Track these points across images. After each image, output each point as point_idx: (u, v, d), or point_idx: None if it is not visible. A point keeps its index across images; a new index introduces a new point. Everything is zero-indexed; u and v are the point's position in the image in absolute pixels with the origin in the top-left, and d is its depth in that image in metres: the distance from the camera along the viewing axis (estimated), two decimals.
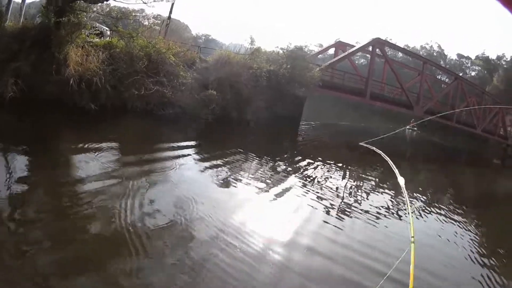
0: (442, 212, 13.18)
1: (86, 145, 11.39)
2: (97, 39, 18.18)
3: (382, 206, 11.93)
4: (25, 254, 5.52)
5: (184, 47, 22.02)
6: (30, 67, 15.18)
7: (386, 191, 14.43)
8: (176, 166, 11.36)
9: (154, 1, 19.01)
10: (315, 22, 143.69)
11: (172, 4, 26.40)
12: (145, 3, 18.91)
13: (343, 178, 15.87)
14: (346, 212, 10.59)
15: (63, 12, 16.01)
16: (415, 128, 52.50)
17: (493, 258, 9.58)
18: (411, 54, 53.49)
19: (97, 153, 10.87)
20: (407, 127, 53.68)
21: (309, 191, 11.98)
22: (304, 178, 13.49)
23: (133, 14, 18.80)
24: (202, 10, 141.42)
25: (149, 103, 17.65)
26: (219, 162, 13.03)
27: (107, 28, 20.30)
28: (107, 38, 19.38)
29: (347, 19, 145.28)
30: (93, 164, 9.95)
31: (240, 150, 15.25)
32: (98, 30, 18.91)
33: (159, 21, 20.50)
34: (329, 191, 12.59)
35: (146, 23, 19.43)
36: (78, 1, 16.65)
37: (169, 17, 26.99)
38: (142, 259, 6.04)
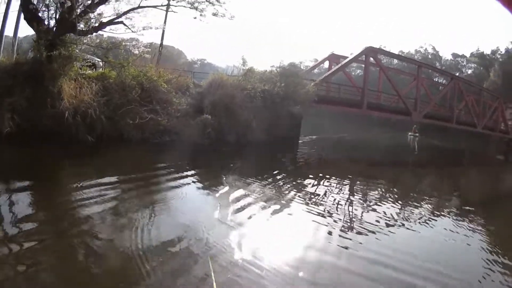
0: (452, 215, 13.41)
1: (85, 181, 11.15)
2: (90, 71, 18.34)
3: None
4: None
5: (175, 73, 22.20)
6: (25, 102, 15.34)
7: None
8: (178, 195, 11.27)
9: (144, 29, 19.37)
10: (309, 37, 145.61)
11: (163, 31, 26.89)
12: (134, 32, 19.26)
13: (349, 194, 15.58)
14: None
15: (54, 45, 16.27)
16: (417, 134, 52.75)
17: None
18: (405, 59, 54.53)
19: (95, 187, 10.72)
20: (409, 134, 54.45)
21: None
22: (308, 199, 13.17)
23: (123, 43, 18.76)
24: (197, 35, 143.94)
25: (144, 131, 17.68)
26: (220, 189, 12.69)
27: (99, 60, 20.44)
28: (100, 70, 19.58)
29: (340, 31, 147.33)
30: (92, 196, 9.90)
31: (237, 175, 15.01)
32: (90, 62, 19.10)
33: (149, 49, 20.49)
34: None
35: (136, 51, 19.34)
36: (69, 34, 16.87)
37: (161, 44, 27.65)
38: None
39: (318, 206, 12.41)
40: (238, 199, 11.35)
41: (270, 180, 15.06)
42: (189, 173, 13.99)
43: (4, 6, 20.52)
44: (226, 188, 12.53)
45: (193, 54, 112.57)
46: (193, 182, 12.94)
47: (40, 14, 17.31)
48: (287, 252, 8.10)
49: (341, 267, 7.86)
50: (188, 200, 10.91)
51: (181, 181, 12.79)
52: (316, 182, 16.44)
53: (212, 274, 6.81)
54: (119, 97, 17.42)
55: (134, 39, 20.12)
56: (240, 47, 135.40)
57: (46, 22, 17.35)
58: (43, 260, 6.33)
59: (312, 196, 13.66)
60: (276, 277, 6.88)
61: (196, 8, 20.56)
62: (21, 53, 19.47)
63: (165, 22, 25.61)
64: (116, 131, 16.88)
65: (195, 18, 20.99)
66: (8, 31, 22.36)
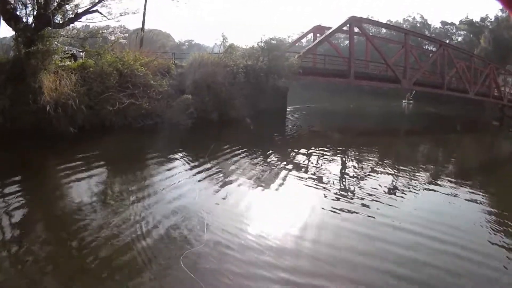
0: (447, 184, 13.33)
1: (69, 171, 11.53)
2: (69, 62, 18.47)
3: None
4: None
5: (153, 56, 22.21)
6: (8, 101, 15.55)
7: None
8: (165, 178, 11.42)
9: (121, 15, 19.43)
10: (296, 13, 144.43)
11: (144, 16, 27.04)
12: (112, 19, 19.39)
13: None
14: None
15: (33, 41, 16.42)
16: (411, 101, 52.78)
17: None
18: (391, 27, 54.05)
19: (80, 176, 11.03)
20: (404, 101, 54.43)
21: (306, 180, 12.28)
22: (302, 171, 13.56)
23: (100, 31, 18.97)
24: (185, 17, 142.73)
25: (126, 117, 17.84)
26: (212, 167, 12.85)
27: (80, 50, 20.56)
28: (81, 60, 19.65)
29: (326, 6, 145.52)
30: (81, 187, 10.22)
31: (223, 153, 14.90)
32: (68, 53, 19.13)
33: (126, 34, 20.63)
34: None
35: (112, 38, 19.50)
36: (46, 29, 17.03)
37: (142, 28, 27.63)
38: None
39: (314, 177, 12.63)
40: (228, 180, 11.48)
41: (259, 154, 15.23)
42: (172, 156, 14.08)
43: None
44: (215, 168, 12.65)
45: (182, 36, 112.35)
46: (174, 166, 12.87)
47: (18, 13, 17.44)
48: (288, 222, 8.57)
49: (346, 229, 8.53)
50: (177, 183, 10.91)
51: (164, 166, 12.92)
52: (308, 154, 16.55)
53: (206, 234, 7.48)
54: (98, 85, 17.58)
55: (111, 26, 20.20)
56: (228, 27, 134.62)
57: (24, 20, 17.50)
58: None
59: (305, 168, 13.88)
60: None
61: None
62: (1, 53, 19.69)
63: (145, 6, 26.38)
64: (98, 120, 17.06)
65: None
66: None
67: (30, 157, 13.18)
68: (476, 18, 75.24)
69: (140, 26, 28.57)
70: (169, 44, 70.48)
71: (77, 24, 19.54)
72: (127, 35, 21.02)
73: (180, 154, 14.46)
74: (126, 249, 6.81)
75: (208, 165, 12.81)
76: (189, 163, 13.37)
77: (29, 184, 10.45)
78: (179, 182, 11.01)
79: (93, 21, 19.23)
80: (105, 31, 19.39)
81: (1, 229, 7.45)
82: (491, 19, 71.89)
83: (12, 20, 17.11)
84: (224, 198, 9.96)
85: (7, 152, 13.27)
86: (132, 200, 9.33)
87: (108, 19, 19.23)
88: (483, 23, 72.97)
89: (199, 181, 11.40)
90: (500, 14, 69.84)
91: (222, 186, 10.84)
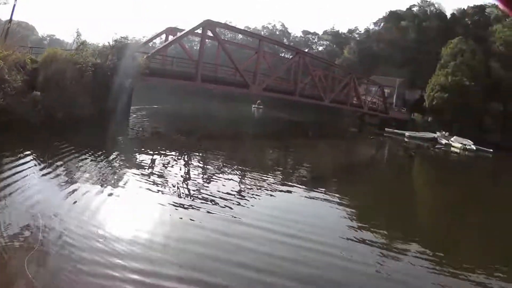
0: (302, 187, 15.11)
1: None
2: None
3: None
4: None
5: (10, 50, 21.23)
6: None
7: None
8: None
9: None
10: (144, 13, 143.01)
11: (14, 6, 26.65)
12: None
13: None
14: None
15: None
16: (261, 107, 56.80)
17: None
18: (245, 32, 56.82)
19: None
20: (253, 106, 57.53)
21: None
22: (142, 171, 14.27)
23: None
24: (51, 9, 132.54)
25: None
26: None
27: None
28: None
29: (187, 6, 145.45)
30: None
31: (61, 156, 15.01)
32: None
33: None
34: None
35: None
36: None
37: (10, 20, 26.97)
38: None
39: (159, 180, 13.44)
40: (70, 181, 11.84)
41: (102, 154, 15.89)
42: (14, 157, 13.85)
43: None
44: (56, 170, 12.90)
45: (46, 30, 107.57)
46: (15, 167, 12.59)
47: None
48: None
49: (194, 226, 9.38)
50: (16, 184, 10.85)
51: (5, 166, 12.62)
52: (153, 156, 17.52)
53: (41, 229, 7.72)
54: None
55: None
56: (92, 23, 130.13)
57: None
58: None
59: (151, 174, 14.41)
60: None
61: None
62: None
63: None
64: None
65: None
66: None
67: None
68: (343, 30, 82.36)
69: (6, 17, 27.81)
70: (32, 38, 69.66)
71: None
72: None
73: (20, 154, 14.16)
74: None
75: (50, 167, 13.02)
76: (29, 163, 13.19)
77: None
78: (17, 183, 10.93)
79: None
80: None
81: None
82: (360, 31, 79.21)
83: None
84: (65, 199, 10.22)
85: None
86: None
87: None
88: (350, 35, 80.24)
89: (41, 181, 11.62)
90: (372, 27, 78.32)
91: (64, 188, 11.12)
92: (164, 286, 6.62)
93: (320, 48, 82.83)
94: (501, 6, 2.07)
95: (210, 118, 41.94)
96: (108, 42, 28.14)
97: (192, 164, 17.72)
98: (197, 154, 19.78)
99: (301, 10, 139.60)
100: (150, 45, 49.77)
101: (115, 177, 13.30)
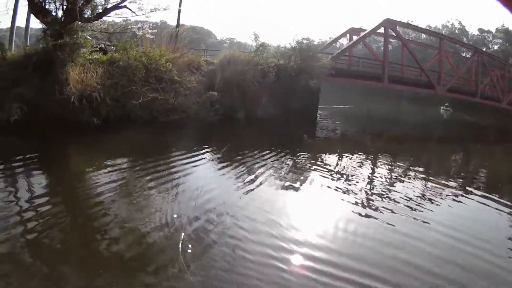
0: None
1: (90, 159, 11.94)
2: (96, 56, 18.54)
3: None
4: None
5: (179, 52, 21.60)
6: (33, 91, 15.69)
7: None
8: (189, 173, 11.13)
9: (151, 11, 19.43)
10: (326, 15, 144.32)
11: (179, 12, 26.97)
12: (143, 15, 19.39)
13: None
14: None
15: (60, 35, 16.53)
16: (449, 109, 51.99)
17: None
18: (425, 31, 53.40)
19: (100, 165, 11.07)
20: (442, 108, 53.31)
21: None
22: (329, 174, 12.88)
23: (129, 27, 19.12)
24: (227, 15, 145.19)
25: (152, 111, 17.87)
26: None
27: (109, 43, 20.66)
28: (110, 54, 19.77)
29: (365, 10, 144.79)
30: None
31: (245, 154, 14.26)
32: (97, 47, 19.29)
33: (155, 30, 20.49)
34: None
35: (140, 33, 19.52)
36: (75, 23, 17.07)
37: (177, 25, 27.22)
38: None
39: (341, 182, 11.88)
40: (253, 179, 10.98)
41: (285, 154, 14.70)
42: (196, 152, 13.68)
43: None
44: (239, 167, 12.25)
45: (225, 33, 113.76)
46: (198, 162, 12.50)
47: (46, 6, 17.53)
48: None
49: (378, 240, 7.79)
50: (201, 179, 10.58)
51: (188, 161, 12.50)
52: (337, 159, 16.11)
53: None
54: (123, 79, 17.67)
55: (140, 22, 20.21)
56: (265, 27, 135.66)
57: (53, 13, 17.60)
58: None
59: (334, 172, 13.12)
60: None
61: None
62: (31, 44, 19.95)
63: (180, 2, 26.49)
64: (123, 112, 17.15)
65: None
66: (22, 23, 23.26)
67: (52, 145, 13.41)
68: None
69: (186, 23, 28.88)
70: (209, 41, 71.67)
71: (108, 19, 19.46)
72: (156, 30, 20.81)
73: (204, 151, 14.05)
74: (144, 242, 6.64)
75: (232, 165, 12.46)
76: (212, 161, 13.02)
77: (49, 170, 10.55)
78: (203, 178, 10.67)
79: (122, 16, 19.22)
80: (134, 26, 19.45)
81: (21, 212, 7.39)
82: None
83: (40, 13, 17.30)
84: (246, 195, 9.54)
85: (31, 139, 13.58)
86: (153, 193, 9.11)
87: (137, 15, 19.25)
88: None
89: (223, 179, 11.08)
90: None
91: (246, 185, 10.37)
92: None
93: (495, 47, 73.26)
94: (501, 6, 2.14)
95: (397, 120, 40.11)
96: (290, 44, 26.89)
97: (377, 166, 16.09)
98: (382, 156, 18.19)
99: (476, 6, 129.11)
100: (337, 45, 49.89)
101: (299, 174, 12.39)
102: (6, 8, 21.04)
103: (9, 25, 22.43)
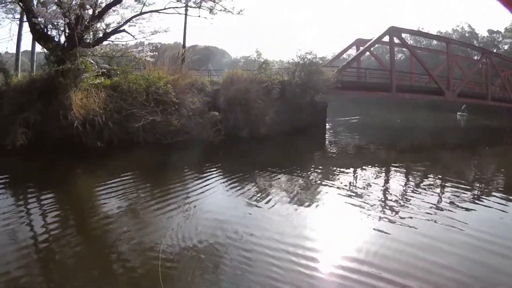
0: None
1: (96, 181, 12.09)
2: (99, 80, 18.68)
3: None
4: None
5: (178, 74, 21.28)
6: (38, 116, 16.12)
7: None
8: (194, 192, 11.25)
9: (152, 34, 19.82)
10: (331, 26, 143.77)
11: (184, 33, 27.10)
12: (144, 38, 19.75)
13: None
14: None
15: (63, 60, 16.81)
16: (465, 113, 50.98)
17: None
18: (430, 36, 53.01)
19: (107, 186, 11.31)
20: (458, 113, 52.48)
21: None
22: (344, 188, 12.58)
23: (129, 50, 19.31)
24: (235, 34, 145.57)
25: (155, 133, 17.98)
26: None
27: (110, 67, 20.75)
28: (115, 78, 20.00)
29: (368, 19, 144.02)
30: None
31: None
32: (99, 71, 19.33)
33: (155, 53, 20.66)
34: None
35: (139, 56, 19.73)
36: (76, 48, 17.27)
37: (183, 46, 27.47)
38: None
39: (356, 194, 11.88)
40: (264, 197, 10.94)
41: (291, 173, 14.39)
42: (200, 171, 13.77)
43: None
44: (247, 186, 12.19)
45: (238, 52, 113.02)
46: (205, 180, 12.46)
47: (48, 33, 17.92)
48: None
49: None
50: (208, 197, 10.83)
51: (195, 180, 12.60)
52: (350, 171, 15.74)
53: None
54: (124, 103, 17.80)
55: (140, 45, 20.47)
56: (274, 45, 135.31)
57: (56, 39, 18.02)
58: None
59: (349, 187, 12.85)
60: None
61: (199, 7, 20.34)
62: (38, 70, 20.33)
63: (185, 24, 26.50)
64: (126, 135, 17.29)
65: (205, 18, 20.88)
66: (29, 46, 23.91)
67: (57, 168, 13.63)
68: None
69: (195, 43, 29.08)
70: (224, 61, 72.16)
71: (109, 42, 19.83)
72: (156, 53, 21.06)
73: (210, 170, 13.98)
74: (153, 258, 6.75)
75: (240, 182, 12.47)
76: (213, 179, 12.94)
77: (57, 192, 10.76)
78: (209, 196, 10.94)
79: (122, 40, 19.64)
80: (134, 50, 19.66)
81: (33, 232, 7.83)
82: None
83: (42, 40, 17.76)
84: (253, 212, 9.62)
85: (37, 163, 14.02)
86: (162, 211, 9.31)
87: (136, 39, 19.72)
88: None
89: (227, 195, 11.32)
90: None
91: (256, 203, 10.38)
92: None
93: (506, 47, 71.97)
94: (501, 5, 2.16)
95: (413, 129, 38.22)
96: (293, 59, 26.73)
97: (392, 178, 15.70)
98: (397, 168, 17.56)
99: (484, 7, 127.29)
100: (346, 57, 47.51)
101: (313, 190, 12.37)
102: (10, 35, 21.31)
103: (14, 51, 22.88)
